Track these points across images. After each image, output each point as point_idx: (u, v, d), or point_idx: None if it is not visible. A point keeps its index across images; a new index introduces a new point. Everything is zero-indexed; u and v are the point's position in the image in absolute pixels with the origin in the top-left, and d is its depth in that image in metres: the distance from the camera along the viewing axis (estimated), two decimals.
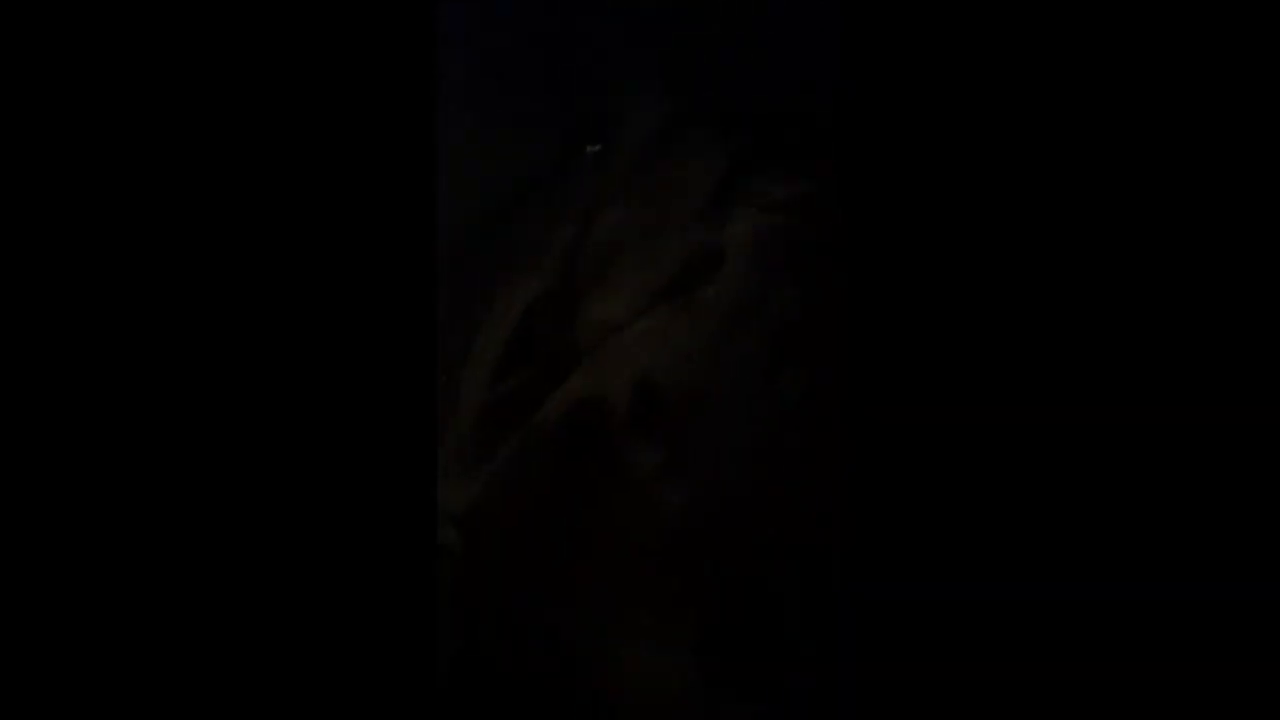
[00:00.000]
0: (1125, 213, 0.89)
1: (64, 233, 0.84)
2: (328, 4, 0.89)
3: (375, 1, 0.90)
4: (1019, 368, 0.88)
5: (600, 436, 1.08)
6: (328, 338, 0.87)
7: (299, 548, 0.85)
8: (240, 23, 0.87)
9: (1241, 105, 0.89)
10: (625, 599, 1.06)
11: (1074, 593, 0.87)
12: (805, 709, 1.03)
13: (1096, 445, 0.87)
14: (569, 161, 1.40)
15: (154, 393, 0.84)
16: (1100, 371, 0.88)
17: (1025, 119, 0.90)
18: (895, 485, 0.88)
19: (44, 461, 0.82)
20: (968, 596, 0.87)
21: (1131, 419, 0.87)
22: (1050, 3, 0.91)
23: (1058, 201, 0.90)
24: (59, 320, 0.83)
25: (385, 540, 0.87)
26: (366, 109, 0.90)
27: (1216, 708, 0.84)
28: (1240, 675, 0.85)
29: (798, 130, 1.26)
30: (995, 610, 0.86)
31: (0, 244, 0.83)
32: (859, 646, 0.87)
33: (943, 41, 0.91)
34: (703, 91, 1.41)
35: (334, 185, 0.88)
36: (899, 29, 0.92)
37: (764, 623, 1.03)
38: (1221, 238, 0.88)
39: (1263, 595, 0.85)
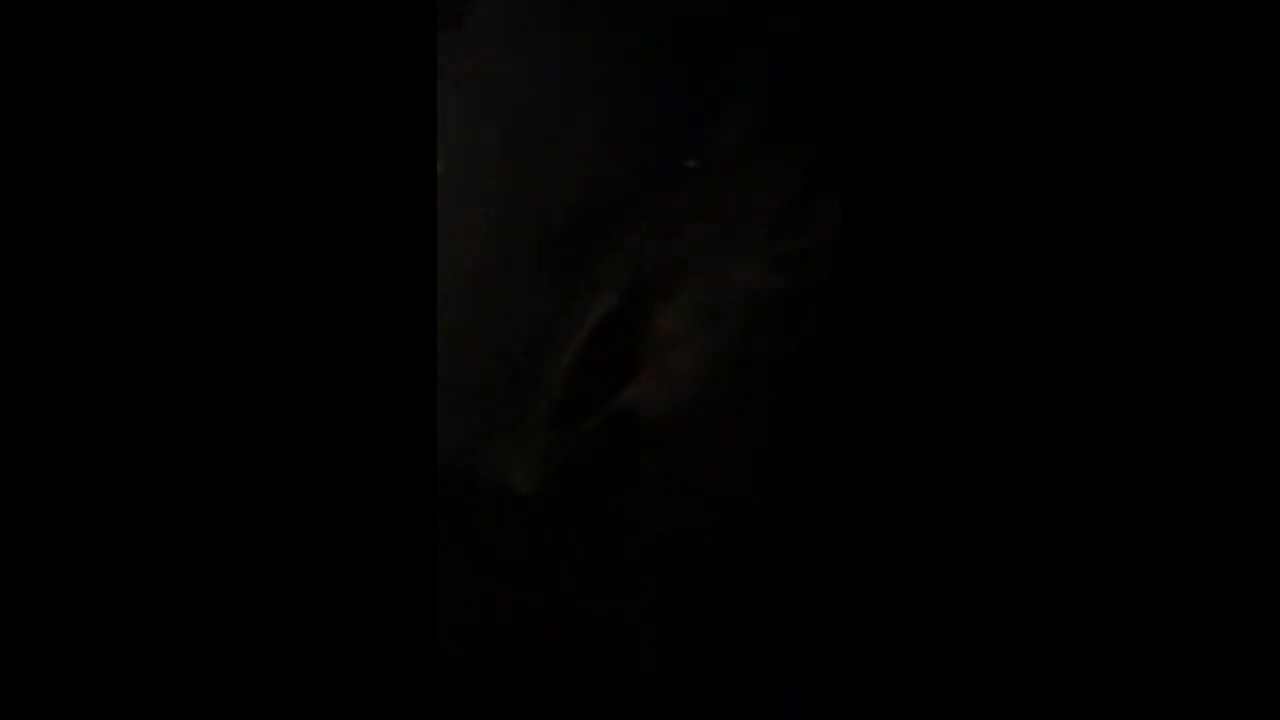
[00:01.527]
0: (1129, 225, 0.90)
1: (63, 233, 0.86)
2: (328, 18, 0.91)
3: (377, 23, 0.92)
4: (1020, 370, 0.90)
5: (629, 452, 1.21)
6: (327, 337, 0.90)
7: (298, 536, 0.88)
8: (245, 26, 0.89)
9: (1244, 109, 0.89)
10: (611, 603, 1.19)
11: (1075, 596, 0.88)
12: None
13: (1096, 446, 0.88)
14: (654, 175, 1.51)
15: (154, 390, 0.87)
16: (1101, 374, 0.89)
17: (1022, 126, 0.92)
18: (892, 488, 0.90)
19: (38, 442, 0.85)
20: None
21: (1132, 420, 0.89)
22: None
23: (1060, 204, 0.91)
24: (58, 317, 0.86)
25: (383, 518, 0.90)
26: (368, 112, 0.92)
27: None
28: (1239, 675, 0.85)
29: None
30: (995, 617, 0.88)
31: (0, 244, 0.85)
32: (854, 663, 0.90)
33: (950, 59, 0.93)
34: (788, 108, 1.48)
35: (336, 186, 0.91)
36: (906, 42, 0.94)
37: (735, 644, 1.14)
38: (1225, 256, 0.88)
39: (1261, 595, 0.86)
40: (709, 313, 1.30)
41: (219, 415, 0.89)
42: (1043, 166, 0.91)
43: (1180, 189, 0.89)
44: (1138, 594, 0.87)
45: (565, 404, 1.34)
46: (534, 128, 1.75)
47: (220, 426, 0.89)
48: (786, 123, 1.43)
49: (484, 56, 1.74)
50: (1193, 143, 0.89)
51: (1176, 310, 0.88)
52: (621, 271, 1.41)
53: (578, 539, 1.25)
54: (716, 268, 1.34)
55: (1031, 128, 0.91)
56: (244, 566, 0.89)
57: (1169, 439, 0.87)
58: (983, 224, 0.91)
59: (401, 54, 0.93)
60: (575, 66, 1.62)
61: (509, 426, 1.39)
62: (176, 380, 0.89)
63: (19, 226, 0.86)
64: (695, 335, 1.29)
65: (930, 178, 0.92)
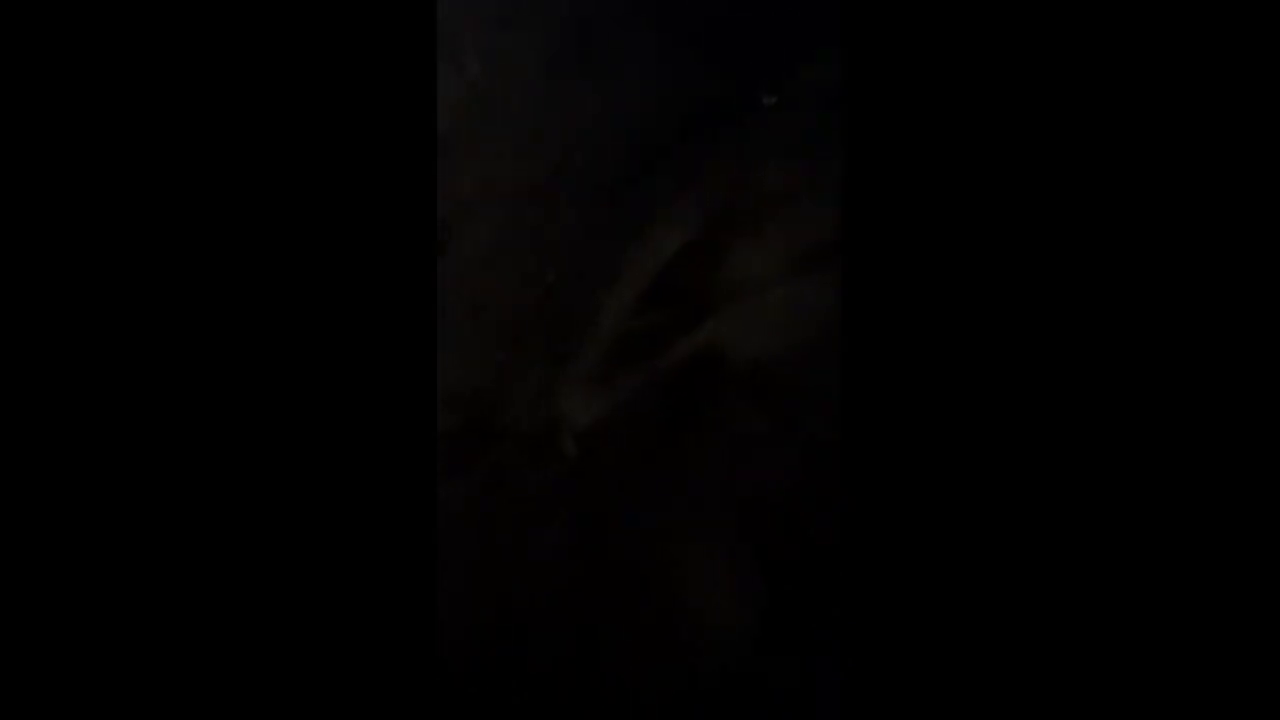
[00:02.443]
0: (1131, 229, 0.88)
1: (63, 233, 0.85)
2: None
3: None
4: (1021, 372, 0.89)
5: (716, 392, 1.13)
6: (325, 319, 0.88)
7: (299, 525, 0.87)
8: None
9: (1244, 110, 0.87)
10: (705, 544, 1.13)
11: (1075, 596, 0.87)
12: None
13: (1097, 447, 0.87)
14: (738, 109, 1.42)
15: (152, 385, 0.86)
16: (1102, 375, 0.88)
17: (1024, 128, 0.89)
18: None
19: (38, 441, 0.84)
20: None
21: (1132, 422, 0.87)
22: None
23: (1060, 204, 0.89)
24: (59, 318, 0.85)
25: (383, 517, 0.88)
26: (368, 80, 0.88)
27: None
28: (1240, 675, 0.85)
29: None
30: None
31: (0, 244, 0.84)
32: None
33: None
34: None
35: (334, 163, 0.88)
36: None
37: (827, 589, 1.08)
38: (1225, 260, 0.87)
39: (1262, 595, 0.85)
40: (790, 257, 1.23)
41: (214, 418, 0.87)
42: (1051, 166, 0.87)
43: (1179, 192, 0.87)
44: (1136, 590, 0.86)
45: (625, 339, 1.26)
46: (586, 41, 1.65)
47: (214, 427, 0.87)
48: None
49: None
50: (1193, 145, 0.87)
51: (1177, 315, 0.87)
52: (693, 206, 1.33)
53: (639, 482, 1.18)
54: (798, 210, 1.27)
55: (1044, 127, 0.87)
56: (245, 555, 0.88)
57: (1169, 443, 0.86)
58: (982, 226, 0.88)
59: (398, 21, 0.89)
60: None
61: (548, 359, 1.31)
62: (179, 356, 0.87)
63: (20, 226, 0.85)
64: (774, 279, 1.21)
65: (939, 172, 0.88)
